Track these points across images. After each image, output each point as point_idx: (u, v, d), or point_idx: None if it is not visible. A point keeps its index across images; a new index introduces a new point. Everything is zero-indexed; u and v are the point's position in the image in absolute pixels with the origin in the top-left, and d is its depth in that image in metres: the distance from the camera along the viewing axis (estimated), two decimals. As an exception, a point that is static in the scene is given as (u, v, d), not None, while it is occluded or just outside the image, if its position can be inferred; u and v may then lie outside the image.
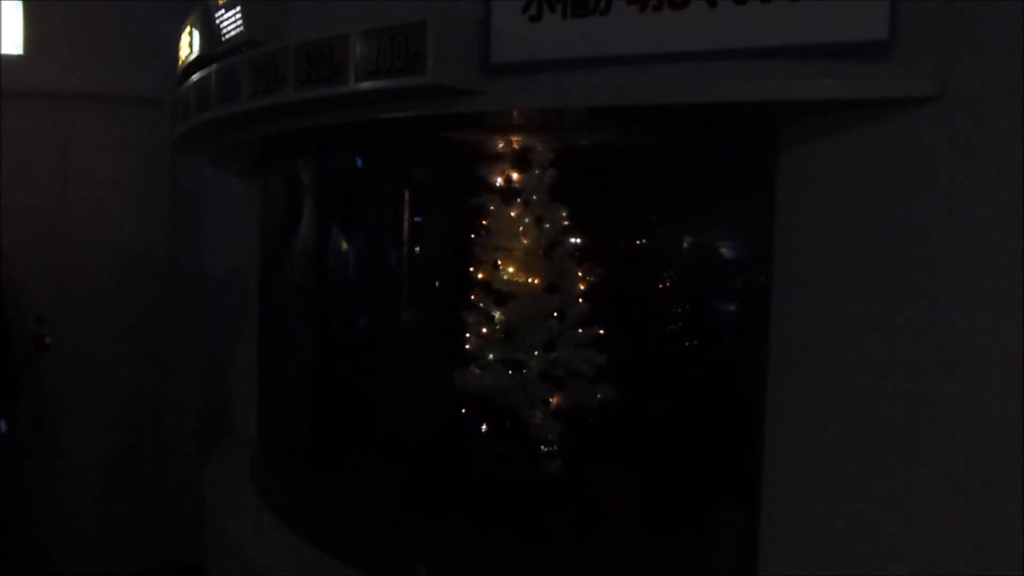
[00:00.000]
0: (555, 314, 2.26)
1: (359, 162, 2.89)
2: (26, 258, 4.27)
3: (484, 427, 2.44)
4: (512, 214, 2.32)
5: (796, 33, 1.69)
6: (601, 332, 2.22)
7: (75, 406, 4.47)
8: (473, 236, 2.39)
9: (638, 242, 2.28)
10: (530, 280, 2.29)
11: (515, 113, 2.11)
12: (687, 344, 2.19)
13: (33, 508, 4.40)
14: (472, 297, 2.36)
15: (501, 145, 2.37)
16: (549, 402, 2.27)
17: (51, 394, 4.43)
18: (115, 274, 4.47)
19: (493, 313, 2.33)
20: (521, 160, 2.32)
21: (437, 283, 2.71)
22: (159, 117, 4.35)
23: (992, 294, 1.62)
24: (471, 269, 2.40)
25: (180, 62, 3.16)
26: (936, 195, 1.67)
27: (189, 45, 3.01)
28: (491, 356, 2.34)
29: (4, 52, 4.22)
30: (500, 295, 2.33)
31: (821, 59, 1.69)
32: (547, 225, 2.28)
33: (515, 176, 2.33)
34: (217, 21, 2.71)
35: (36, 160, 4.31)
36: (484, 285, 2.35)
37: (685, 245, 2.21)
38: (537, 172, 2.28)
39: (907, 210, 1.70)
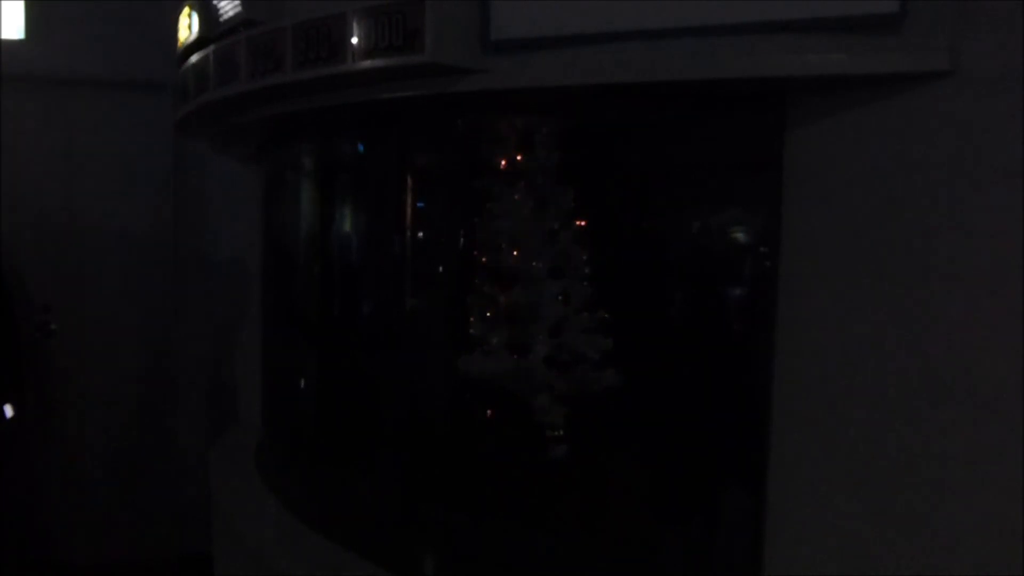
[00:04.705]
0: (560, 298, 2.23)
1: (360, 145, 2.86)
2: (31, 244, 4.27)
3: (489, 412, 2.42)
4: (516, 197, 2.28)
5: (805, 6, 1.64)
6: (606, 316, 2.18)
7: (81, 393, 4.47)
8: (477, 219, 2.35)
9: (643, 225, 2.24)
10: (534, 264, 2.26)
11: (516, 92, 2.06)
12: (693, 329, 2.16)
13: (40, 494, 4.41)
14: (476, 281, 2.33)
15: (504, 126, 2.33)
16: (554, 387, 2.24)
17: (57, 381, 4.43)
18: (120, 260, 4.46)
19: (497, 297, 2.30)
20: (525, 141, 2.28)
21: (441, 268, 2.68)
22: (162, 101, 4.31)
23: (1002, 277, 1.58)
24: (475, 253, 2.37)
25: (180, 44, 3.12)
26: (946, 175, 1.62)
27: (188, 27, 2.97)
28: (496, 341, 2.31)
29: (6, 37, 4.20)
30: (504, 279, 2.30)
31: (831, 33, 1.64)
32: (551, 208, 2.24)
33: (519, 158, 2.30)
34: (215, 1, 2.67)
35: (39, 146, 4.30)
36: (488, 269, 2.32)
37: (691, 228, 2.16)
38: (541, 153, 2.24)
39: (916, 190, 1.66)
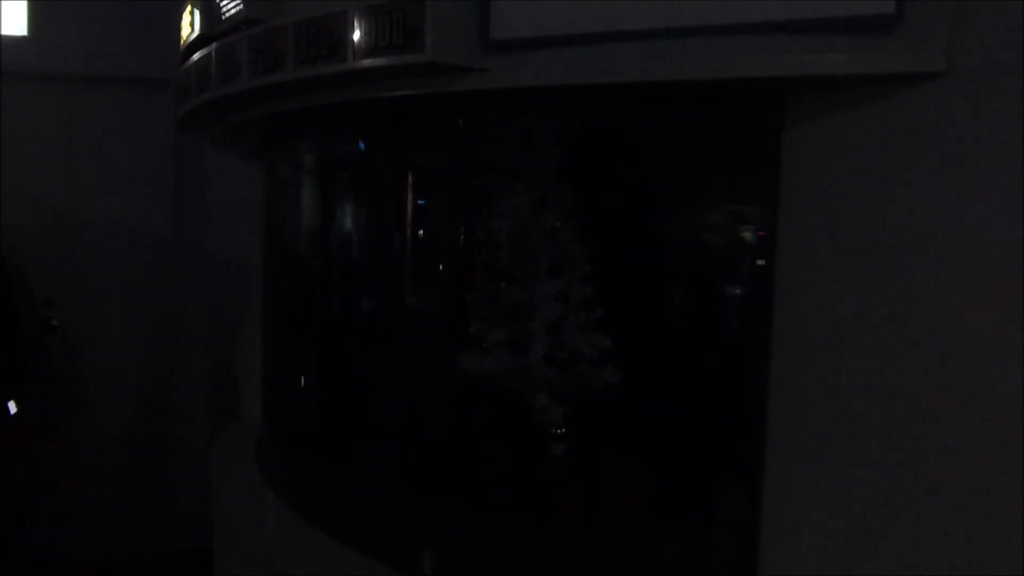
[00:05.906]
0: (559, 297, 2.23)
1: (361, 143, 2.86)
2: (33, 240, 4.28)
3: (488, 411, 2.42)
4: (516, 195, 2.29)
5: (803, 7, 1.65)
6: (605, 315, 2.19)
7: (83, 388, 4.49)
8: (477, 218, 2.36)
9: (642, 224, 2.25)
10: (534, 262, 2.26)
11: (516, 91, 2.07)
12: (690, 327, 2.16)
13: (42, 489, 4.42)
14: (476, 280, 2.34)
15: (505, 125, 2.34)
16: (553, 385, 2.24)
17: (59, 376, 4.44)
18: (121, 256, 4.48)
19: (497, 296, 2.31)
20: (525, 140, 2.29)
21: (441, 266, 2.68)
22: (164, 98, 4.33)
23: (999, 275, 1.58)
24: (475, 251, 2.38)
25: (182, 42, 3.13)
26: (943, 174, 1.63)
27: (190, 24, 2.97)
28: (495, 339, 2.31)
29: (8, 33, 4.21)
30: (504, 277, 2.30)
31: (828, 33, 1.64)
32: (551, 206, 2.25)
33: (519, 156, 2.30)
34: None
35: (41, 143, 4.31)
36: (488, 267, 2.33)
37: (689, 226, 2.17)
38: (540, 152, 2.25)
39: (913, 189, 1.66)
